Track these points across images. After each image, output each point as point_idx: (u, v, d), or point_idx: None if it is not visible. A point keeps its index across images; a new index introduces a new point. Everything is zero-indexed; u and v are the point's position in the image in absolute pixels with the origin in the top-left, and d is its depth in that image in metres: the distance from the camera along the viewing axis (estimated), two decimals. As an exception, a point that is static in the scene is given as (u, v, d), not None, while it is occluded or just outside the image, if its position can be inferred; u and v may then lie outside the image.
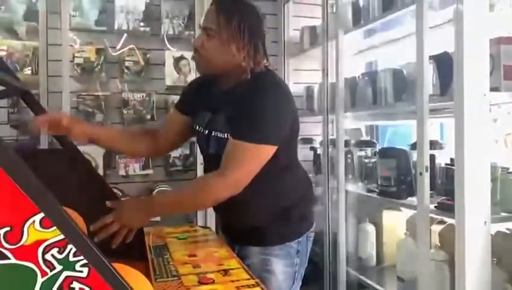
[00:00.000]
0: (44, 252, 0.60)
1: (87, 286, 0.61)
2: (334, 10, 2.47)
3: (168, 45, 2.88)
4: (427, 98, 1.69)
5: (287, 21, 3.14)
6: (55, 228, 0.60)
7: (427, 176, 1.68)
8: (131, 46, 2.81)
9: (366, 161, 2.46)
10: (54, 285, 0.60)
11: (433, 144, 1.84)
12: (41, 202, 0.60)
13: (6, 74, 1.33)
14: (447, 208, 1.64)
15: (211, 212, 2.55)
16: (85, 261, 0.61)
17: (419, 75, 1.71)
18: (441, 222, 1.92)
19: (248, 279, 1.06)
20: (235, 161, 1.20)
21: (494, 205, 1.53)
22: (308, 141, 3.00)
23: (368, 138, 2.83)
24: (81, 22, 2.69)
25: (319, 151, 2.84)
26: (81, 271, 0.61)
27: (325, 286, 2.57)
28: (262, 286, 1.03)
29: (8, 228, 0.59)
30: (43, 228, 0.60)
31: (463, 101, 1.48)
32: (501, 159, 1.73)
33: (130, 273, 0.77)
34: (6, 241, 0.59)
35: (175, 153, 2.88)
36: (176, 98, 2.74)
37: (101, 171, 2.64)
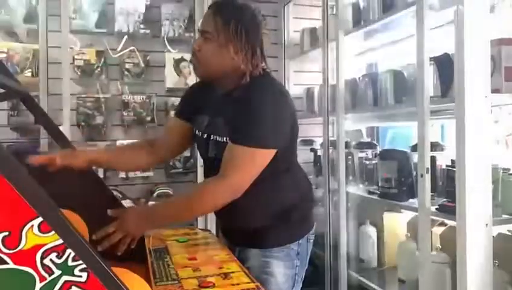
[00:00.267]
0: (42, 257, 0.60)
1: (86, 291, 0.61)
2: (334, 12, 2.47)
3: (169, 47, 2.88)
4: (427, 100, 1.69)
5: (287, 23, 3.15)
6: (53, 232, 0.60)
7: (428, 178, 1.68)
8: (131, 48, 2.81)
9: (367, 162, 2.45)
10: (52, 290, 0.60)
11: (434, 146, 1.84)
12: (40, 207, 0.60)
13: (5, 76, 1.33)
14: (448, 210, 1.63)
15: (211, 215, 2.54)
16: (84, 265, 0.61)
17: (419, 77, 1.70)
18: (442, 224, 1.91)
19: (248, 282, 1.05)
20: (234, 166, 1.20)
21: (495, 206, 1.53)
22: (308, 142, 3.00)
23: (369, 140, 2.82)
24: (81, 24, 2.69)
25: (319, 152, 2.83)
26: (80, 276, 0.61)
27: (326, 287, 2.56)
28: (262, 289, 1.02)
29: (7, 233, 0.59)
30: (41, 232, 0.60)
31: (464, 102, 1.47)
32: (502, 160, 1.72)
33: (129, 278, 0.77)
34: (5, 246, 0.58)
35: (175, 155, 2.88)
36: (176, 100, 2.75)
37: (101, 174, 2.63)
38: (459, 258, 1.52)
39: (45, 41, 2.55)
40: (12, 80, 1.40)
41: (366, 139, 2.84)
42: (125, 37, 2.80)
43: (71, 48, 2.65)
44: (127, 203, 2.44)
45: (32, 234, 0.59)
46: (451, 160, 1.78)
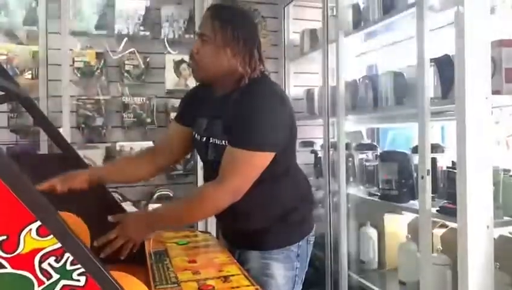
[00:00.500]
0: (41, 261, 0.59)
1: (84, 295, 0.60)
2: (335, 13, 2.47)
3: (169, 48, 2.88)
4: (428, 101, 1.69)
5: (287, 24, 3.14)
6: (52, 236, 0.59)
7: (428, 180, 1.68)
8: (131, 49, 2.81)
9: (367, 164, 2.45)
10: (51, 294, 0.59)
11: (435, 147, 1.83)
12: (38, 210, 0.59)
13: (5, 79, 1.33)
14: (449, 211, 1.63)
15: (211, 217, 2.53)
16: (82, 269, 0.60)
17: (420, 78, 1.70)
18: (443, 226, 1.91)
19: (248, 285, 1.05)
20: (233, 169, 1.20)
21: (496, 208, 1.52)
22: (308, 144, 2.99)
23: (369, 141, 2.82)
24: (81, 26, 2.69)
25: (319, 154, 2.83)
26: (79, 280, 0.60)
27: (327, 289, 2.56)
28: (262, 292, 1.02)
29: (4, 237, 0.58)
30: (39, 236, 0.59)
31: (464, 104, 1.47)
32: (502, 161, 1.72)
33: (128, 282, 0.76)
34: (3, 250, 0.58)
35: (175, 157, 2.87)
36: (176, 102, 2.74)
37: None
38: (460, 260, 1.51)
39: (45, 43, 2.54)
40: (11, 82, 1.40)
41: (366, 140, 2.83)
42: (125, 38, 2.80)
43: (71, 50, 2.65)
44: (127, 205, 2.44)
45: (30, 238, 0.59)
46: (452, 161, 1.77)
